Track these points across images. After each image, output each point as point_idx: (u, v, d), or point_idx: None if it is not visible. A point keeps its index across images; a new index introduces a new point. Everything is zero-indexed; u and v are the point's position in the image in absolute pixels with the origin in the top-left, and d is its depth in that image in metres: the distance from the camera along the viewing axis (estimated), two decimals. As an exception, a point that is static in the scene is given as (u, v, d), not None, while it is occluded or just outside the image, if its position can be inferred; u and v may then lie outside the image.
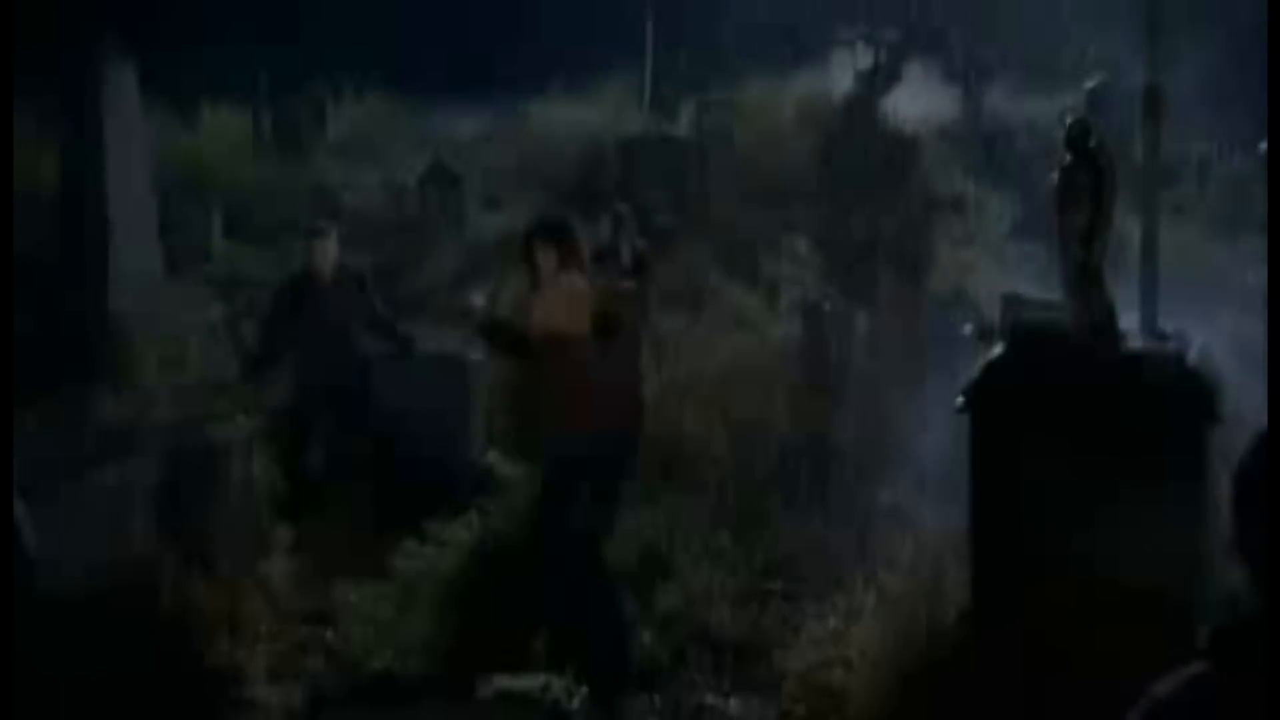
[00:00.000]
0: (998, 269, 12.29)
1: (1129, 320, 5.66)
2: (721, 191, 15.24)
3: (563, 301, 6.25)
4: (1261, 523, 2.08)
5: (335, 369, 8.40)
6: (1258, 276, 8.73)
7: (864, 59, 19.40)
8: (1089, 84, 16.96)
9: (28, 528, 5.21)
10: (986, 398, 5.42)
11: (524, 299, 6.68)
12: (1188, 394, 5.27)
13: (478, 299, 7.16)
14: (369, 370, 8.64)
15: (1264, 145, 11.27)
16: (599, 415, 6.20)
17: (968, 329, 6.14)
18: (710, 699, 6.17)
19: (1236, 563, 2.12)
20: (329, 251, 8.60)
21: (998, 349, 5.56)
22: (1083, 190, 5.42)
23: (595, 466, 6.25)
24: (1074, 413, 5.30)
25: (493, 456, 8.73)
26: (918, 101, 18.04)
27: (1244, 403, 5.36)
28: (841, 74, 19.38)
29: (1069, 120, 5.65)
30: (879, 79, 18.91)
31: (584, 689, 5.88)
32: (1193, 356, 5.45)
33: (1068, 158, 5.50)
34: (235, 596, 6.72)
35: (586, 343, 6.19)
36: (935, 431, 6.69)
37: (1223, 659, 2.07)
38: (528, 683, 6.05)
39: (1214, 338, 5.91)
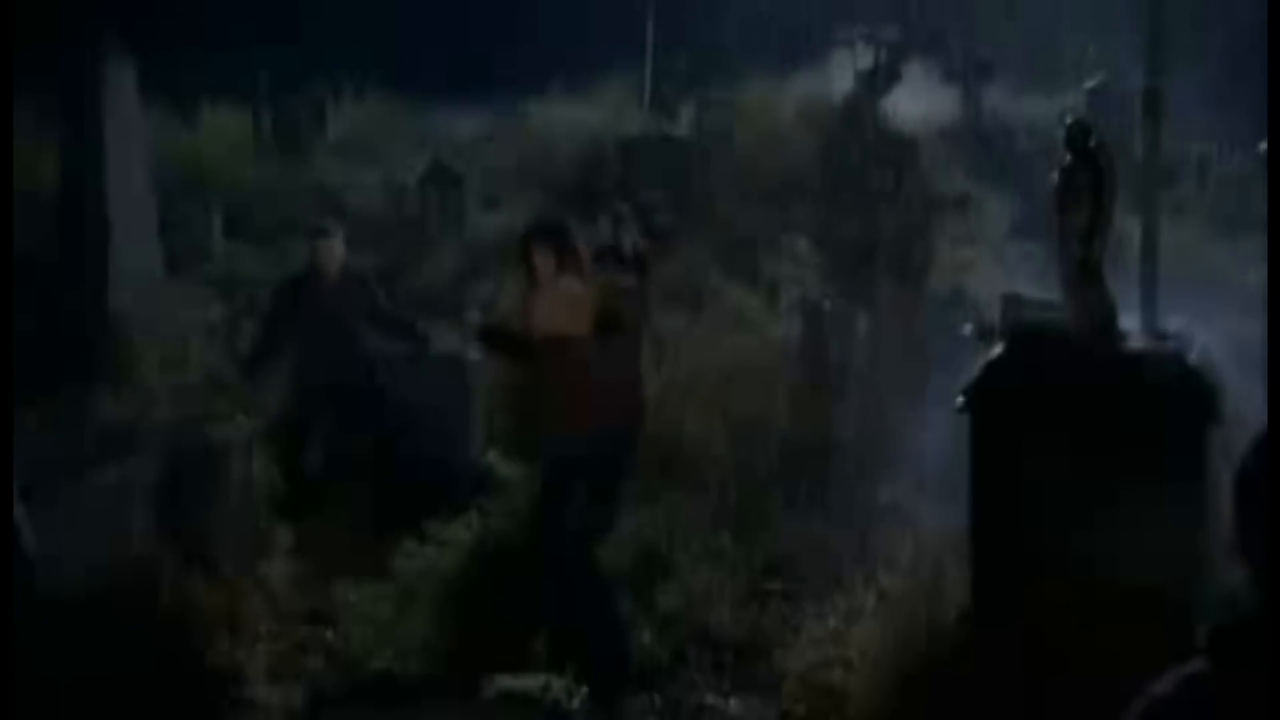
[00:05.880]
0: (998, 269, 12.29)
1: (1129, 320, 5.66)
2: (721, 191, 15.24)
3: (562, 303, 6.24)
4: (1262, 523, 2.08)
5: (337, 368, 8.39)
6: (1258, 276, 8.72)
7: (864, 59, 19.40)
8: (1089, 84, 16.98)
9: (27, 528, 5.21)
10: (986, 398, 5.42)
11: (524, 301, 6.68)
12: (1188, 394, 5.27)
13: (474, 315, 7.16)
14: (373, 370, 8.64)
15: (1264, 145, 11.27)
16: (598, 415, 6.19)
17: (968, 329, 6.14)
18: (710, 699, 6.17)
19: (1237, 563, 2.12)
20: (334, 251, 8.60)
21: (998, 349, 5.56)
22: (1083, 190, 5.42)
23: (594, 466, 6.25)
24: (1074, 413, 5.30)
25: (493, 456, 8.73)
26: (918, 101, 18.05)
27: (1244, 403, 5.36)
28: (841, 74, 19.38)
29: (1069, 120, 5.64)
30: (879, 79, 18.90)
31: (584, 689, 5.90)
32: (1193, 356, 5.45)
33: (1068, 158, 5.50)
34: (235, 596, 6.72)
35: (586, 343, 6.18)
36: (935, 431, 6.69)
37: (1221, 658, 2.07)
38: (528, 683, 6.06)
39: (1214, 338, 5.91)
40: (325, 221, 9.13)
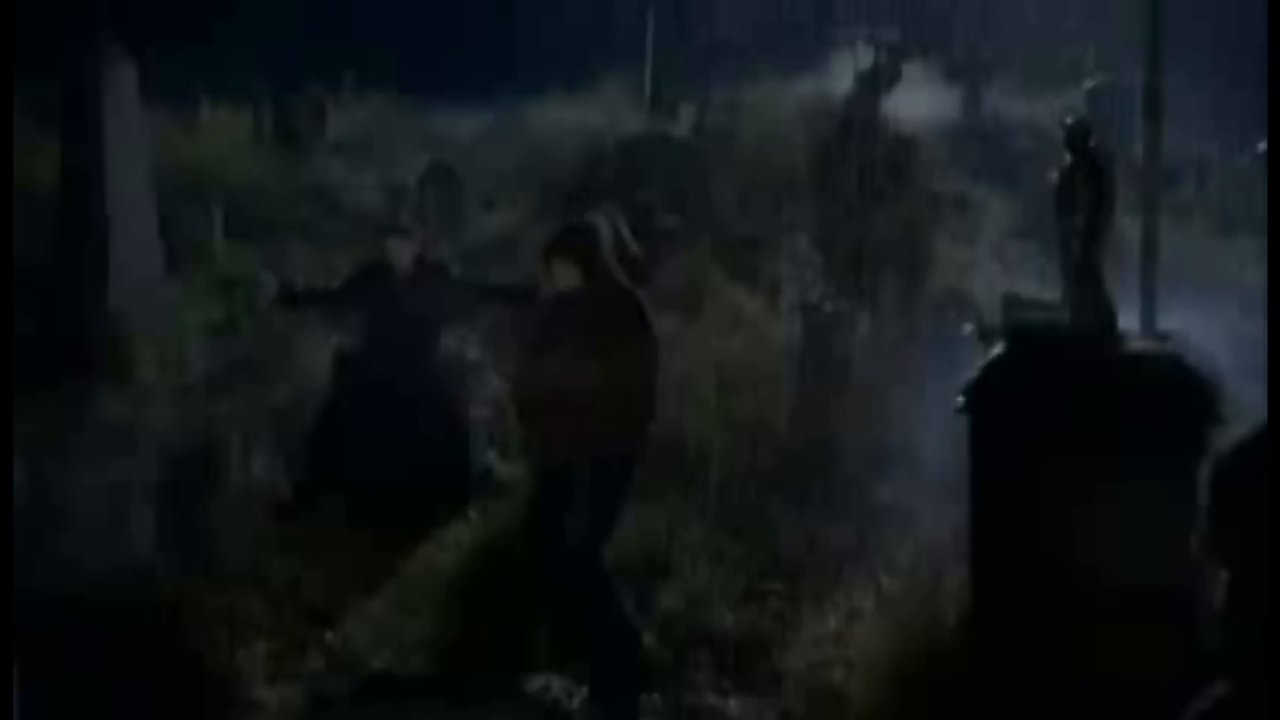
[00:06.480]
0: (998, 269, 12.29)
1: (1129, 320, 5.66)
2: (721, 191, 15.22)
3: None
4: (1236, 523, 2.09)
5: (407, 369, 8.31)
6: (1258, 276, 8.73)
7: (864, 59, 19.36)
8: (1089, 84, 16.97)
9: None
10: (986, 398, 5.42)
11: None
12: (1188, 394, 5.28)
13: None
14: (440, 373, 8.55)
15: (1264, 145, 11.28)
16: (599, 421, 6.16)
17: (968, 329, 6.14)
18: (710, 699, 6.17)
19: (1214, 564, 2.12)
20: (405, 251, 8.51)
21: (998, 349, 5.56)
22: (1083, 190, 5.43)
23: (595, 471, 6.22)
24: (1074, 413, 5.30)
25: (493, 456, 8.73)
26: (918, 101, 18.04)
27: (1244, 403, 5.36)
28: (841, 74, 19.36)
29: (1069, 120, 5.64)
30: (879, 79, 18.87)
31: (584, 689, 5.90)
32: (1192, 357, 5.45)
33: (1068, 158, 5.50)
34: (235, 596, 6.72)
35: (584, 347, 6.13)
36: (935, 431, 6.69)
37: (1246, 678, 2.06)
38: (528, 683, 6.07)
39: (1214, 338, 5.91)
40: (400, 219, 9.08)
